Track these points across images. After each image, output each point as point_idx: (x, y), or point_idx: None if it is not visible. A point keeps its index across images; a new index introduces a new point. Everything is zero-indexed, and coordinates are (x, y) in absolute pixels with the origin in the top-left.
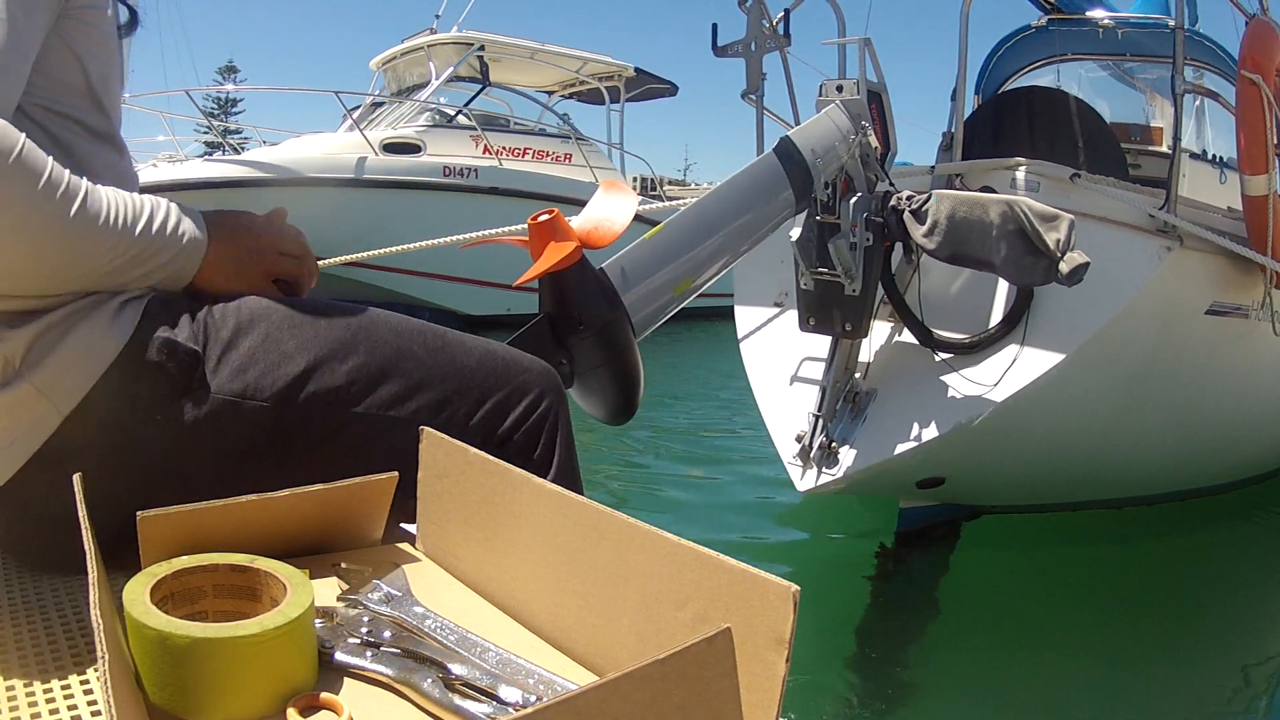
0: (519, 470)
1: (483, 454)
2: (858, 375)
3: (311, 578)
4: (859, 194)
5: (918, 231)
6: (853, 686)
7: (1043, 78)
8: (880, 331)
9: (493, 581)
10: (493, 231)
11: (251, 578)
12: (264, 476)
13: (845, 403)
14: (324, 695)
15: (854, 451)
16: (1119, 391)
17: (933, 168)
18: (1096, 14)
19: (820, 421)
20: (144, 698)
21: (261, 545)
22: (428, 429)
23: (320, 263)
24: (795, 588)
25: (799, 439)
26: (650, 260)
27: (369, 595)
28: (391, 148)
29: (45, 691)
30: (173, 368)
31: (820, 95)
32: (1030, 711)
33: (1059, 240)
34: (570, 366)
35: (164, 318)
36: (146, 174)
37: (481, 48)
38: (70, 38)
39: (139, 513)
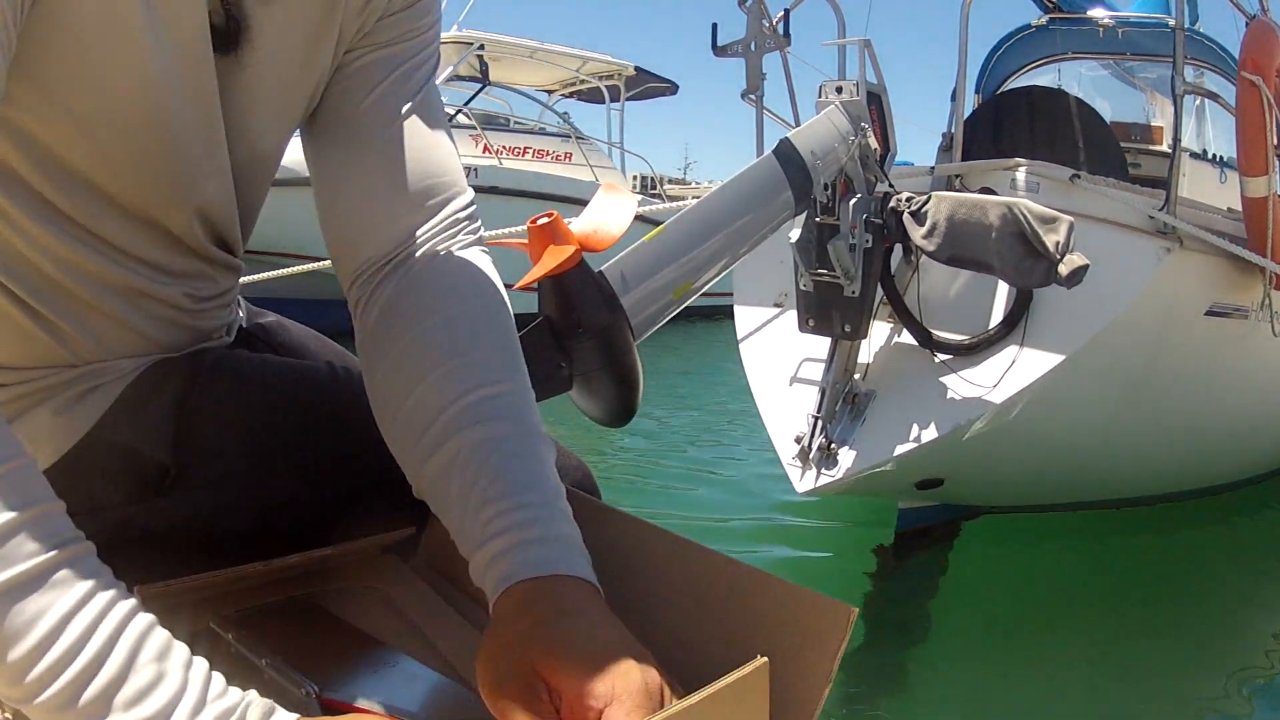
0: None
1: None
2: (857, 376)
3: None
4: (858, 195)
5: (917, 233)
6: (853, 686)
7: (1043, 77)
8: (879, 333)
9: None
10: (492, 234)
11: None
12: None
13: (844, 404)
14: None
15: (853, 452)
16: (1118, 393)
17: (932, 168)
18: (1097, 13)
19: (819, 422)
20: None
21: None
22: None
23: (319, 264)
24: (854, 610)
25: (798, 440)
26: (650, 263)
27: None
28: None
29: None
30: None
31: (820, 96)
32: (1030, 711)
33: (1058, 242)
34: (570, 369)
35: (137, 412)
36: None
37: (481, 47)
38: None
39: (138, 588)
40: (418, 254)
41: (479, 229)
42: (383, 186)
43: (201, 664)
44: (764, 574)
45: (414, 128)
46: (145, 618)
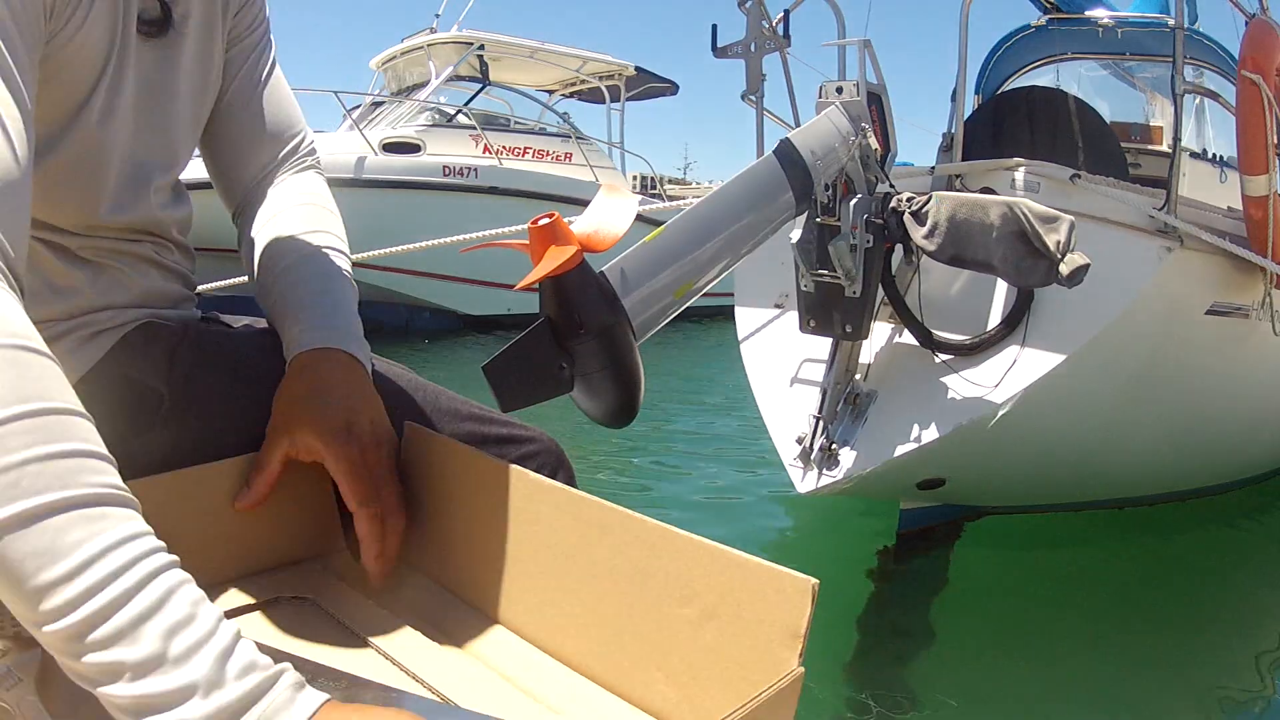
0: (510, 464)
1: (469, 447)
2: (858, 377)
3: None
4: (859, 196)
5: (918, 233)
6: (853, 687)
7: (1042, 77)
8: (880, 333)
9: (473, 583)
10: (493, 234)
11: None
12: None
13: (846, 404)
14: None
15: (854, 453)
16: (1119, 392)
17: (933, 168)
18: (1096, 13)
19: (821, 423)
20: None
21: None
22: (411, 423)
23: None
24: (814, 581)
25: (799, 440)
26: (651, 263)
27: None
28: (391, 147)
29: None
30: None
31: (820, 97)
32: (1031, 711)
33: (1059, 242)
34: (571, 370)
35: (136, 352)
36: None
37: (481, 47)
38: None
39: None
40: (275, 174)
41: (316, 159)
42: (247, 140)
43: (233, 623)
44: (724, 549)
45: (268, 94)
46: (184, 573)
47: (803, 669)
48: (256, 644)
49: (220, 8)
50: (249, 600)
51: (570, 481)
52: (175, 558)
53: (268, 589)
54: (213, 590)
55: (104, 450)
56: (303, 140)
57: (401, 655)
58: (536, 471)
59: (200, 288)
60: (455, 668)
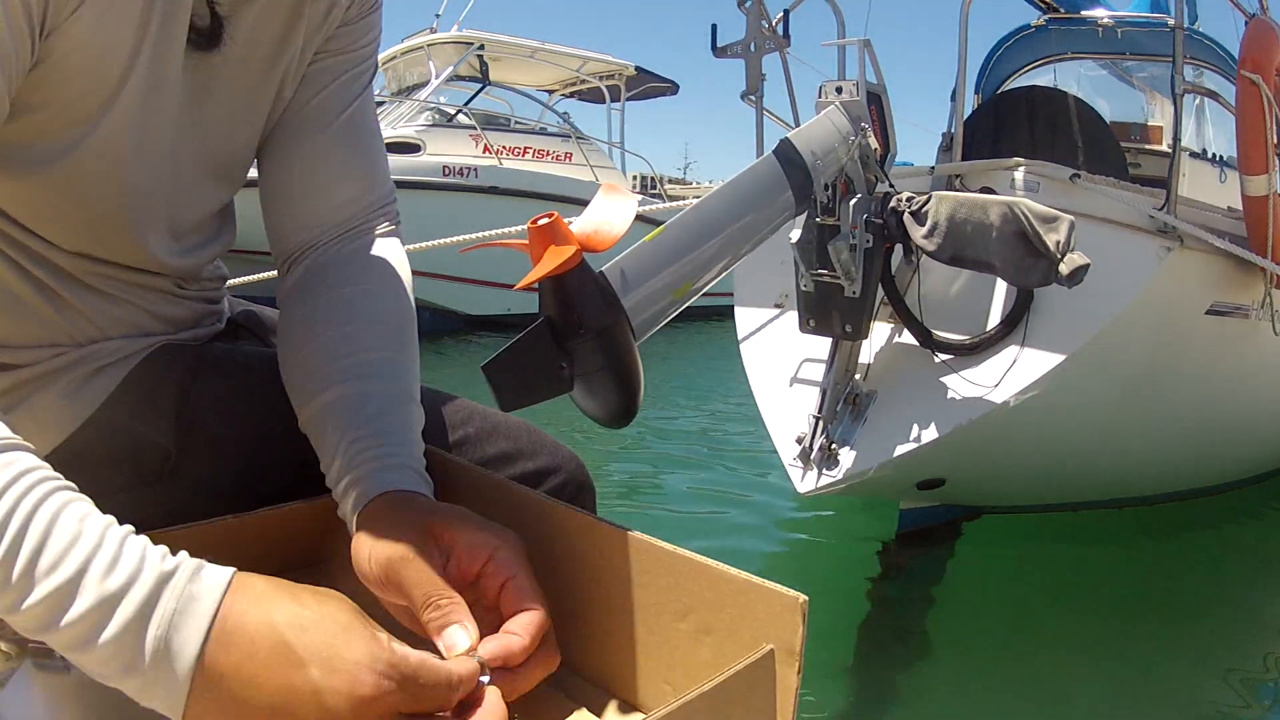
0: (505, 480)
1: (479, 469)
2: (858, 377)
3: None
4: (859, 195)
5: (917, 233)
6: (853, 687)
7: (1042, 77)
8: (880, 333)
9: None
10: (492, 234)
11: None
12: None
13: (845, 404)
14: None
15: (854, 453)
16: (1119, 392)
17: (933, 168)
18: (1096, 13)
19: (820, 423)
20: None
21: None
22: (430, 447)
23: None
24: (803, 598)
25: (799, 440)
26: (650, 263)
27: None
28: (391, 147)
29: None
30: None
31: (820, 97)
32: (1030, 711)
33: (1059, 241)
34: (571, 370)
35: (141, 397)
36: None
37: (481, 47)
38: None
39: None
40: (340, 240)
41: (397, 220)
42: (317, 180)
43: (124, 528)
44: (715, 565)
45: (349, 129)
46: (71, 494)
47: (772, 647)
48: None
49: (304, 22)
50: None
51: (591, 504)
52: (61, 482)
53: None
54: None
55: None
56: (380, 199)
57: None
58: (558, 496)
59: (231, 281)
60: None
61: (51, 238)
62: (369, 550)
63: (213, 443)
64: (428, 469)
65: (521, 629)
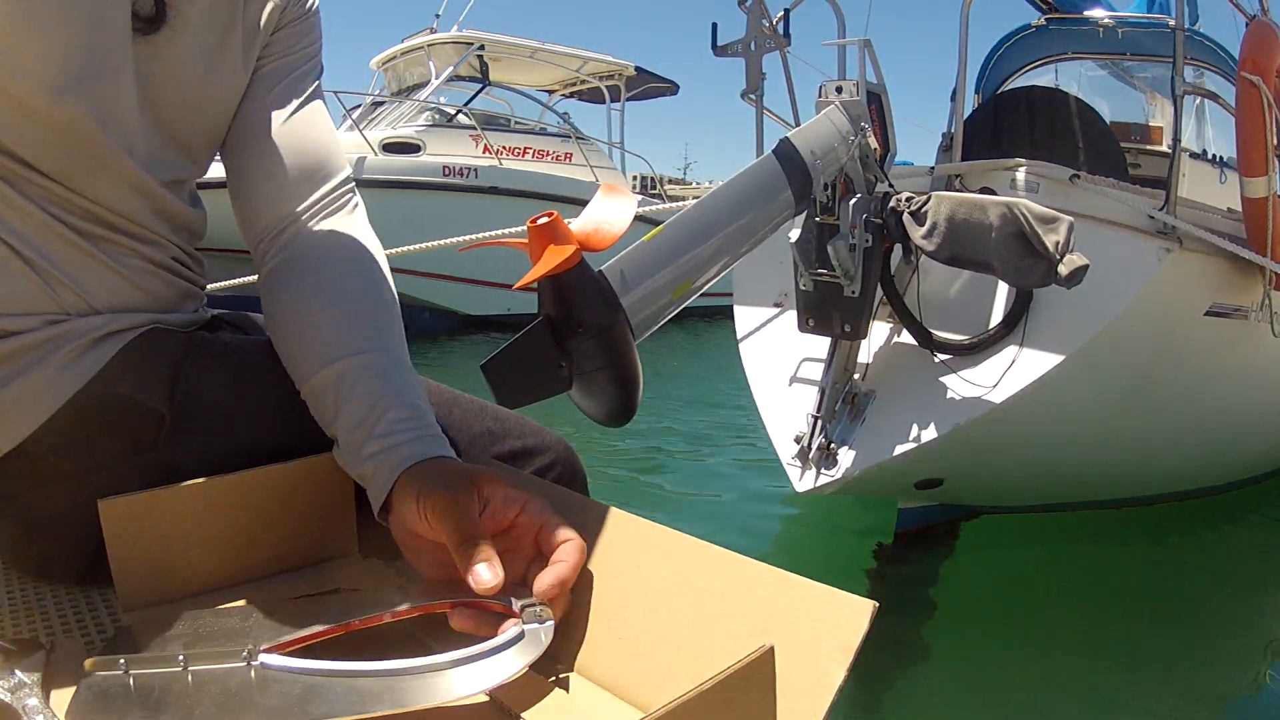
0: (530, 476)
1: (495, 463)
2: (857, 376)
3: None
4: (858, 195)
5: (917, 233)
6: (851, 686)
7: (1042, 77)
8: (879, 333)
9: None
10: (492, 234)
11: None
12: None
13: (844, 404)
14: None
15: (853, 452)
16: (1118, 393)
17: (932, 168)
18: (1096, 13)
19: (819, 422)
20: None
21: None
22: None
23: None
24: (873, 603)
25: (798, 440)
26: (649, 262)
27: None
28: (391, 147)
29: None
30: (127, 427)
31: (820, 96)
32: (1030, 711)
33: (1058, 242)
34: (569, 368)
35: (136, 366)
36: None
37: (481, 47)
38: None
39: (100, 501)
40: (309, 221)
41: (355, 199)
42: (277, 170)
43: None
44: (783, 573)
45: (301, 122)
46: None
47: (771, 645)
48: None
49: (244, 14)
50: (276, 597)
51: (584, 490)
52: None
53: (292, 588)
54: (234, 592)
55: None
56: (341, 181)
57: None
58: (551, 465)
59: (210, 286)
60: None
61: (29, 158)
62: (419, 494)
63: (207, 410)
64: None
65: (565, 555)
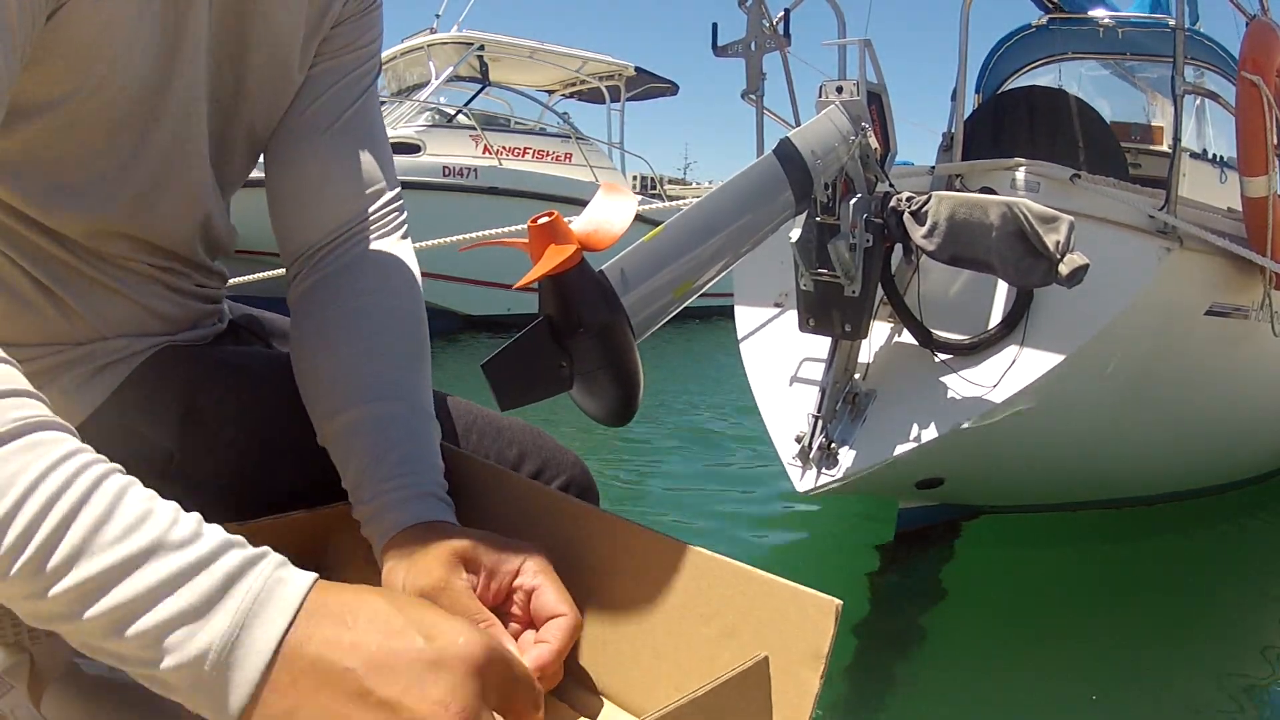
0: (528, 480)
1: (495, 466)
2: (857, 376)
3: None
4: (859, 195)
5: (917, 233)
6: (850, 686)
7: (1043, 77)
8: (880, 332)
9: None
10: (492, 233)
11: None
12: None
13: (845, 403)
14: None
15: (853, 452)
16: (1119, 392)
17: (933, 168)
18: (1097, 13)
19: (820, 422)
20: None
21: None
22: (445, 444)
23: None
24: (838, 602)
25: (798, 439)
26: (650, 262)
27: None
28: (391, 147)
29: None
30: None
31: (820, 96)
32: (1030, 711)
33: (1058, 242)
34: (570, 368)
35: (145, 395)
36: None
37: (481, 47)
38: None
39: None
40: (348, 242)
41: (404, 220)
42: (322, 182)
43: (194, 513)
44: (746, 568)
45: (351, 130)
46: (128, 476)
47: (767, 654)
48: None
49: (317, 13)
50: None
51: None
52: (118, 466)
53: None
54: None
55: (29, 388)
56: (389, 200)
57: None
58: (566, 486)
59: (231, 281)
60: None
61: (60, 218)
62: (402, 582)
63: (216, 444)
64: (446, 468)
65: (552, 635)
